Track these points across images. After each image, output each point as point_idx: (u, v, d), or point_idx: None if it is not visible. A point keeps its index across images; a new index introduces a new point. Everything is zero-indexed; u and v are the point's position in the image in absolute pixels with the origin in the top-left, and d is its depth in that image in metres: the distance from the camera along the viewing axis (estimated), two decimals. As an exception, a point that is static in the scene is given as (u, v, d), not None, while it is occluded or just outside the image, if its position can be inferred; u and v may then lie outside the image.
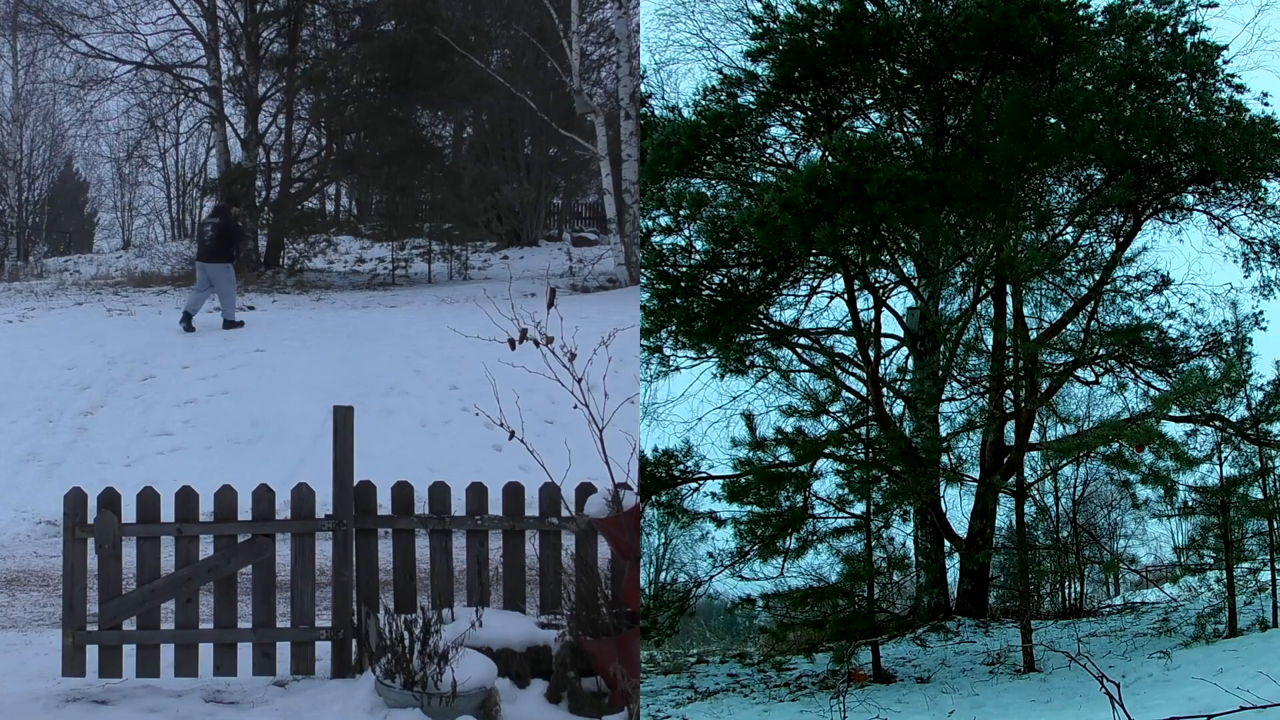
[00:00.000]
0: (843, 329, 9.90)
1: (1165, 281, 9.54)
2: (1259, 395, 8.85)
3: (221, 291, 17.85)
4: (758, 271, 9.41)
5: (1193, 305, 9.57)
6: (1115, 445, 8.70)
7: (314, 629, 7.28)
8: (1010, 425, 9.64)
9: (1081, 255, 9.68)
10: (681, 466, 9.52)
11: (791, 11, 9.76)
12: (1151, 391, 9.46)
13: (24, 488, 12.36)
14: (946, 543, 10.00)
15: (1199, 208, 9.88)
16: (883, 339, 10.16)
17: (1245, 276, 9.82)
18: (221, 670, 7.23)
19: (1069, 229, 9.75)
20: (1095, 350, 9.50)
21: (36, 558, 10.87)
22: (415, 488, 7.48)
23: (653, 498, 9.41)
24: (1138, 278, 9.52)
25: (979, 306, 9.71)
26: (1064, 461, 9.60)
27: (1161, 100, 9.57)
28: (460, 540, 7.41)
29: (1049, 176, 9.79)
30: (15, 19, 28.68)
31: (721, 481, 9.33)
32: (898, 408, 9.93)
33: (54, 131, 35.55)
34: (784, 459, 9.15)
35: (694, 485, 9.52)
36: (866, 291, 9.86)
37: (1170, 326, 9.52)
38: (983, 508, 9.77)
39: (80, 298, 23.26)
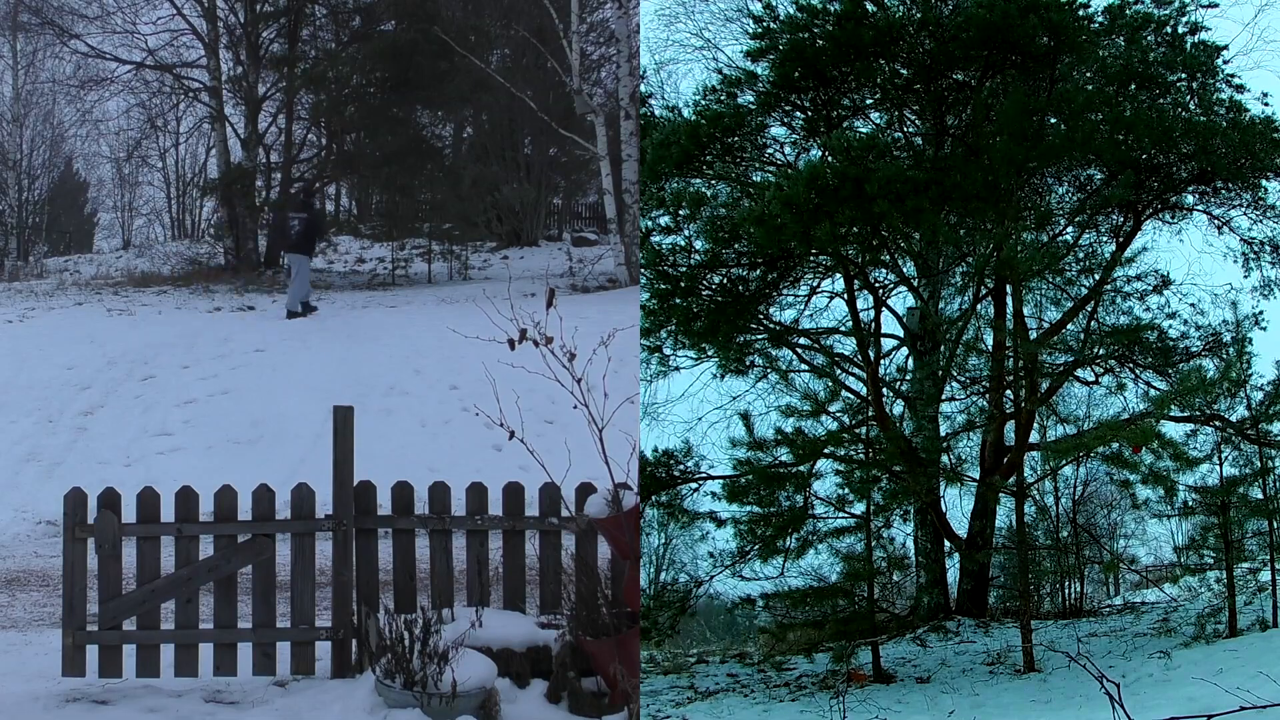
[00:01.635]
0: (843, 329, 9.90)
1: (1165, 281, 9.53)
2: (1259, 395, 8.84)
3: (299, 281, 18.99)
4: (757, 271, 9.41)
5: (1193, 305, 9.57)
6: (1115, 445, 8.70)
7: (314, 629, 7.28)
8: (1010, 425, 9.63)
9: (1081, 255, 9.67)
10: (681, 466, 9.52)
11: (791, 11, 9.76)
12: (1151, 392, 9.46)
13: (24, 488, 12.37)
14: (946, 543, 10.00)
15: (1199, 208, 9.88)
16: (883, 339, 10.16)
17: (1245, 276, 9.82)
18: (221, 670, 7.23)
19: (1069, 229, 9.74)
20: (1095, 350, 9.49)
21: (36, 558, 10.87)
22: (415, 488, 7.48)
23: (653, 498, 9.41)
24: (1138, 278, 9.51)
25: (979, 306, 9.71)
26: (1063, 462, 9.59)
27: (1161, 100, 9.57)
28: (460, 540, 7.41)
29: (1049, 176, 9.79)
30: (15, 19, 28.69)
31: (721, 481, 9.33)
32: (898, 408, 9.93)
33: (54, 131, 35.54)
34: (784, 459, 9.14)
35: (694, 485, 9.52)
36: (866, 291, 9.87)
37: (1170, 326, 9.52)
38: (983, 508, 9.77)
39: (80, 298, 23.26)
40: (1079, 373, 9.65)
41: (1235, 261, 9.86)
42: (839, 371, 9.51)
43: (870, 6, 9.80)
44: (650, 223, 9.60)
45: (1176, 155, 9.42)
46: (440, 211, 26.64)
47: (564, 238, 31.53)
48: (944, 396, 9.94)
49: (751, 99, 9.89)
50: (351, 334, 17.12)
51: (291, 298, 18.89)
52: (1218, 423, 8.84)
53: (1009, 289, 9.63)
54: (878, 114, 10.25)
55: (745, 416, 9.34)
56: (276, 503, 7.37)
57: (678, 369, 9.83)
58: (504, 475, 7.50)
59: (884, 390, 9.56)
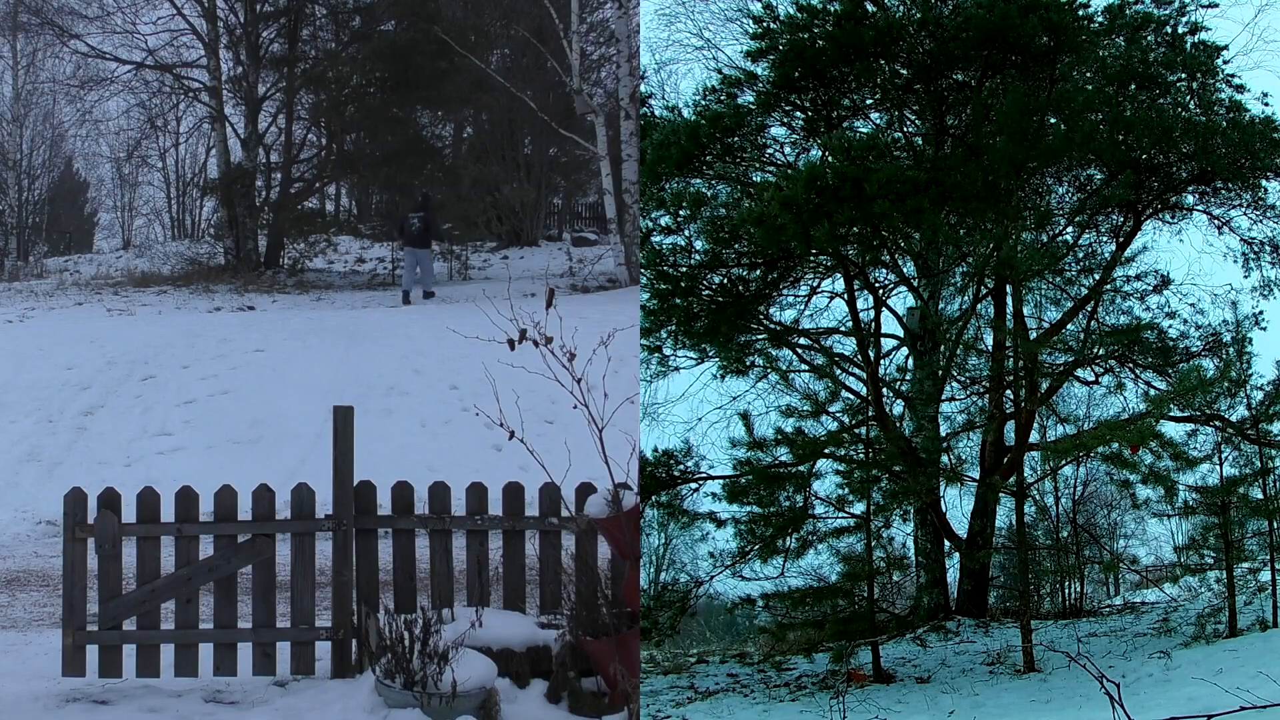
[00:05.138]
0: (843, 329, 9.89)
1: (1165, 281, 9.53)
2: (1259, 395, 8.84)
3: (425, 271, 22.49)
4: (758, 271, 9.41)
5: (1193, 305, 9.56)
6: (1114, 445, 8.70)
7: (314, 629, 7.29)
8: (1010, 425, 9.63)
9: (1081, 255, 9.67)
10: (681, 466, 9.51)
11: (791, 11, 9.75)
12: (1151, 392, 9.46)
13: (24, 488, 12.37)
14: (946, 543, 9.99)
15: (1199, 208, 9.87)
16: (883, 339, 10.15)
17: (1245, 276, 9.81)
18: (221, 670, 7.23)
19: (1069, 229, 9.74)
20: (1095, 350, 9.49)
21: (36, 558, 10.87)
22: (415, 488, 7.48)
23: (653, 498, 9.40)
24: (1138, 278, 9.51)
25: (979, 306, 9.70)
26: (1063, 462, 9.59)
27: (1161, 100, 9.56)
28: (460, 540, 7.41)
29: (1049, 176, 9.78)
30: (15, 19, 28.70)
31: (721, 482, 9.32)
32: (898, 408, 9.92)
33: (54, 131, 35.60)
34: (784, 459, 9.14)
35: (694, 485, 9.52)
36: (866, 291, 9.85)
37: (1170, 326, 9.51)
38: (983, 508, 9.76)
39: (80, 298, 23.29)
40: (1079, 373, 9.65)
41: (1235, 261, 9.86)
42: (839, 371, 9.50)
43: (870, 7, 9.80)
44: (650, 223, 9.60)
45: (1176, 155, 9.41)
46: (440, 211, 26.68)
47: (564, 238, 31.53)
48: (944, 396, 9.93)
49: (751, 99, 9.88)
50: (351, 334, 17.12)
51: (426, 282, 22.27)
52: (1218, 423, 8.84)
53: (1009, 289, 9.62)
54: (878, 114, 10.24)
55: (745, 416, 9.34)
56: (276, 503, 7.37)
57: (678, 369, 9.82)
58: (504, 475, 7.50)
59: (884, 390, 9.56)
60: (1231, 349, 9.08)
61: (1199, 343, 9.47)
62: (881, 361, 9.90)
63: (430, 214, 22.68)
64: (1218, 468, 8.64)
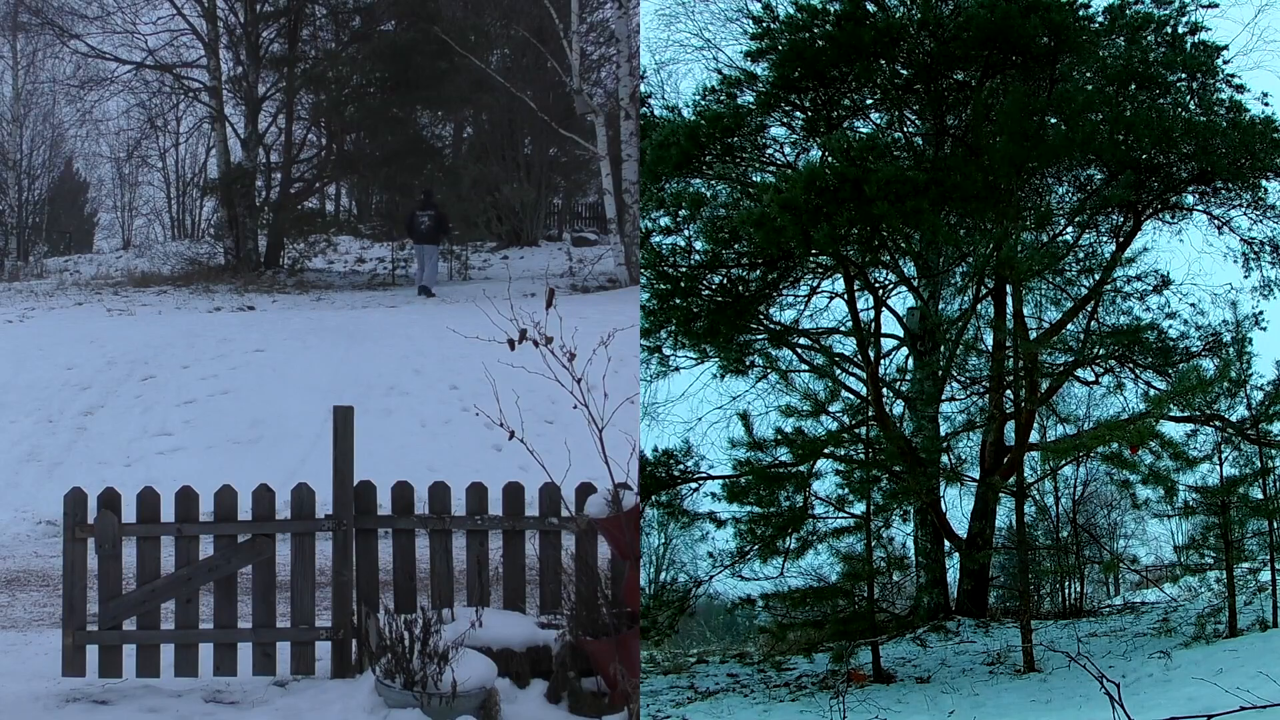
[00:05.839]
0: (843, 329, 9.89)
1: (1165, 281, 9.53)
2: (1259, 395, 8.84)
3: (429, 269, 23.11)
4: (757, 272, 9.41)
5: (1193, 305, 9.56)
6: (1114, 445, 8.71)
7: (314, 629, 7.29)
8: (1010, 425, 9.63)
9: (1081, 255, 9.67)
10: (681, 466, 9.51)
11: (791, 12, 9.75)
12: (1151, 392, 9.46)
13: (24, 488, 12.37)
14: (946, 543, 9.99)
15: (1199, 208, 9.87)
16: (883, 339, 10.15)
17: (1245, 276, 9.81)
18: (221, 670, 7.23)
19: (1069, 229, 9.74)
20: (1095, 350, 9.49)
21: (36, 558, 10.87)
22: (415, 488, 7.48)
23: (653, 498, 9.40)
24: (1138, 278, 9.51)
25: (979, 306, 9.70)
26: (1063, 462, 9.59)
27: (1161, 100, 9.57)
28: (460, 540, 7.41)
29: (1049, 176, 9.78)
30: (15, 19, 28.71)
31: (721, 482, 9.32)
32: (898, 408, 9.92)
33: (54, 131, 35.60)
34: (783, 459, 9.14)
35: (694, 485, 9.52)
36: (866, 291, 9.85)
37: (1170, 326, 9.51)
38: (983, 508, 9.76)
39: (80, 298, 23.30)
40: (1079, 373, 9.65)
41: (1235, 261, 9.86)
42: (839, 371, 9.50)
43: (870, 7, 9.80)
44: (650, 223, 9.60)
45: (1176, 155, 9.41)
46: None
47: (564, 238, 31.53)
48: (944, 396, 9.93)
49: (751, 99, 9.88)
50: (351, 334, 17.12)
51: (428, 278, 22.90)
52: (1218, 423, 8.84)
53: (1009, 289, 9.62)
54: (878, 114, 10.24)
55: (745, 416, 9.34)
56: (276, 503, 7.37)
57: (678, 369, 9.82)
58: (504, 475, 7.50)
59: (884, 390, 9.55)
60: (1231, 349, 9.08)
61: (1199, 343, 9.47)
62: (881, 361, 9.90)
63: (440, 211, 23.17)
64: (1218, 468, 8.65)
